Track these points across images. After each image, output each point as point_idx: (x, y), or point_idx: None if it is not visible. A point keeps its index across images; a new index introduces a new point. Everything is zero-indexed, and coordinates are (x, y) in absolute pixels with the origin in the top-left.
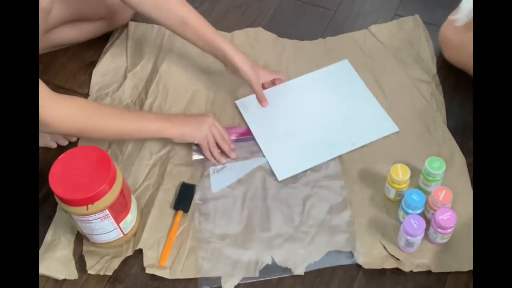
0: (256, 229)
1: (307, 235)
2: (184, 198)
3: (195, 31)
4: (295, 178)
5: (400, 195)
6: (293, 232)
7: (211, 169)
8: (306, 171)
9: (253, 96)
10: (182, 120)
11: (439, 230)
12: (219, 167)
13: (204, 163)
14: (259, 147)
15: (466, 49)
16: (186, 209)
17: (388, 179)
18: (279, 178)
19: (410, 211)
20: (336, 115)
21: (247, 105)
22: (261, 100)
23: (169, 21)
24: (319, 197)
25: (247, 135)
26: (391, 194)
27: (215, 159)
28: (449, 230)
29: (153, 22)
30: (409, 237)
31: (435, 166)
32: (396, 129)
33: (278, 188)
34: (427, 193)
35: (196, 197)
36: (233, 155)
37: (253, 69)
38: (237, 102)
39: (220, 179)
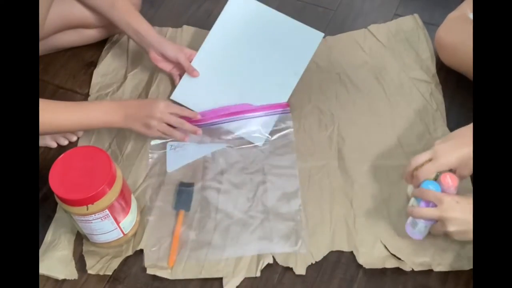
0: (212, 212)
1: (254, 220)
2: (184, 197)
3: (122, 15)
4: (249, 165)
5: None
6: (242, 216)
7: (168, 145)
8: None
9: (181, 82)
10: (129, 114)
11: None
12: (176, 143)
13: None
14: (223, 129)
15: (461, 52)
16: (187, 208)
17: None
18: (260, 144)
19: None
20: (266, 53)
21: (183, 95)
22: (191, 72)
23: (101, 6)
24: (272, 184)
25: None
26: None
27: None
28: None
29: (83, 2)
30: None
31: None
32: (321, 34)
33: (234, 174)
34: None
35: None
36: (199, 132)
37: (176, 47)
38: (172, 97)
39: (176, 158)
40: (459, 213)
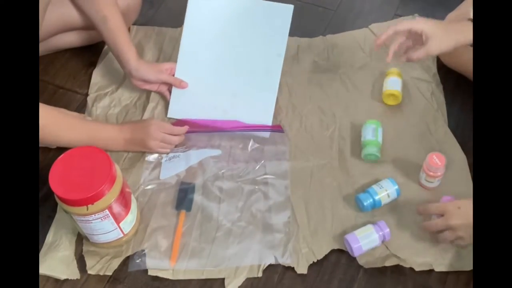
0: (204, 221)
1: (242, 229)
2: (185, 197)
3: (111, 32)
4: (241, 173)
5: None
6: (230, 225)
7: (165, 156)
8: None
9: (172, 98)
10: (127, 140)
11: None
12: (171, 155)
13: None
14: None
15: (461, 52)
16: (188, 208)
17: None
18: (266, 135)
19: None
20: (244, 42)
21: (177, 110)
22: (179, 84)
23: (94, 16)
24: (262, 193)
25: (202, 127)
26: None
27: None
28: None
29: (81, 12)
30: None
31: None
32: (291, 6)
33: (225, 182)
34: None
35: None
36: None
37: (155, 69)
38: (169, 116)
39: (170, 167)
40: (463, 219)
